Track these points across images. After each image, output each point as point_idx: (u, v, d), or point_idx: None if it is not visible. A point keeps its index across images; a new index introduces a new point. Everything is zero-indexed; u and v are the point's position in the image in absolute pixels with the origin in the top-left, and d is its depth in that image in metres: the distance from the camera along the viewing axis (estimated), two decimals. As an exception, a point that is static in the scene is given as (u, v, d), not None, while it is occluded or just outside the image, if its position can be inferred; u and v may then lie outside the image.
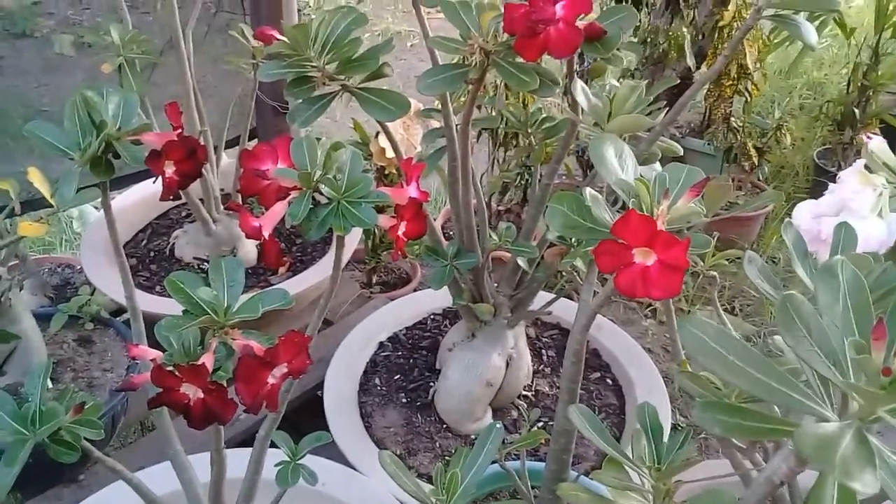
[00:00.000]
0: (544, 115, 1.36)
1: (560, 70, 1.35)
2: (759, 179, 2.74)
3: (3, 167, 2.10)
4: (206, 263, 1.84)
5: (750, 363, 0.47)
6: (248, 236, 0.78)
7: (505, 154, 2.36)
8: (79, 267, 1.92)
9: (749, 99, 2.63)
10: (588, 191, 0.70)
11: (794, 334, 0.45)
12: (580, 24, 0.85)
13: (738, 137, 2.65)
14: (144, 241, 1.92)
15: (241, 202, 1.80)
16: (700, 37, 2.71)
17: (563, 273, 1.43)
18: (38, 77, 2.29)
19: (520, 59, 0.90)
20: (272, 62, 0.97)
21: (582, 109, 0.94)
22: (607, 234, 0.66)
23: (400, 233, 0.82)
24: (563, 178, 2.68)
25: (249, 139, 1.92)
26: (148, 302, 1.58)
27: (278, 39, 0.96)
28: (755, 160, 2.64)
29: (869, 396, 0.41)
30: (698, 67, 2.68)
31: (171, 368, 0.70)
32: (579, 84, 0.90)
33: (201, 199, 1.81)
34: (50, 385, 1.14)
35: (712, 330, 0.49)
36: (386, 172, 2.09)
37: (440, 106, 1.19)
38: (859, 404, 0.43)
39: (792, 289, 0.55)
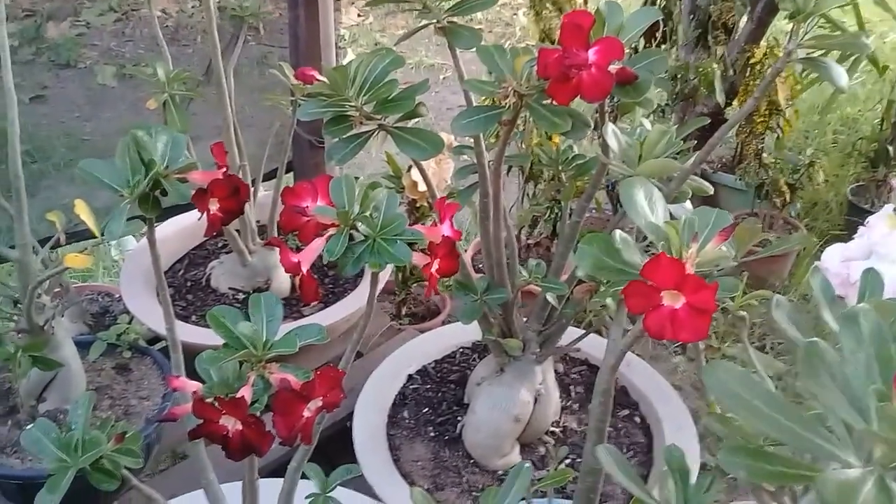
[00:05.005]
0: (575, 153, 1.39)
1: (591, 111, 1.38)
2: (791, 216, 2.72)
3: (46, 194, 2.17)
4: (241, 294, 1.88)
5: (774, 408, 0.48)
6: (287, 271, 0.81)
7: (535, 187, 2.37)
8: (117, 295, 1.97)
9: (781, 135, 2.62)
10: (618, 233, 0.71)
11: (817, 381, 0.46)
12: (612, 68, 0.87)
13: (770, 174, 2.64)
14: (182, 272, 1.97)
15: (279, 236, 1.84)
16: (732, 72, 2.71)
17: (592, 309, 1.45)
18: (81, 107, 2.36)
19: (552, 102, 0.93)
20: (311, 101, 1.00)
21: (612, 151, 0.96)
22: (637, 276, 0.67)
23: (433, 270, 0.84)
24: (593, 211, 2.69)
25: (286, 172, 1.96)
26: (184, 331, 1.62)
27: (318, 80, 1.00)
28: (787, 197, 2.62)
29: (890, 443, 0.42)
30: (729, 104, 2.69)
31: (210, 401, 0.73)
32: (610, 127, 0.92)
33: (238, 231, 1.85)
34: (89, 412, 1.17)
35: (737, 374, 0.51)
36: (417, 205, 2.13)
37: (473, 143, 1.22)
38: (882, 451, 0.44)
39: (820, 333, 0.56)
